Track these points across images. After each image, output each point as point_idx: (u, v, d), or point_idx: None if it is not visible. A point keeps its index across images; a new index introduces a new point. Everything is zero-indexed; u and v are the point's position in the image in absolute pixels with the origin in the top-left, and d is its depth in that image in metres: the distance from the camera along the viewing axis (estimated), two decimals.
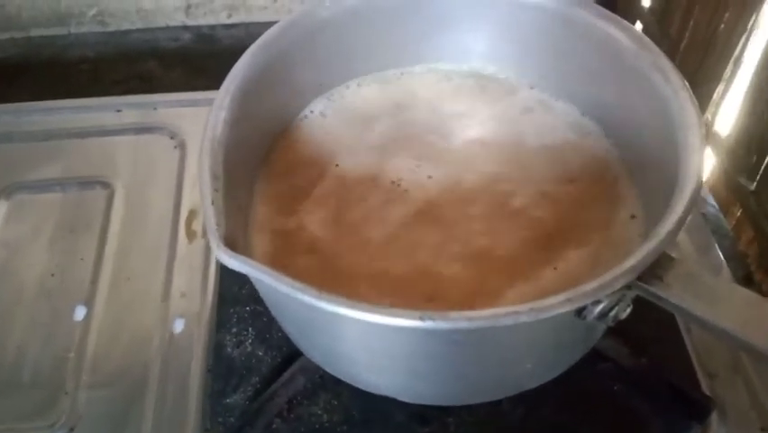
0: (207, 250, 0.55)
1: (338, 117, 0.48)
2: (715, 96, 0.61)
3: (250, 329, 0.49)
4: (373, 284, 0.39)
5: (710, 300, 0.33)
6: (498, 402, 0.44)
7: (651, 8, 0.71)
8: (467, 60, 0.50)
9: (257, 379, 0.47)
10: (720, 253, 0.54)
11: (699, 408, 0.45)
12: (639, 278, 0.32)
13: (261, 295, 0.40)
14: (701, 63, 0.62)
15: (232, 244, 0.33)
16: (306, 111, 0.48)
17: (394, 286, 0.39)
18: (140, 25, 0.82)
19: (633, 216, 0.42)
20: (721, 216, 0.60)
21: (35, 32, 0.81)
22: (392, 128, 0.47)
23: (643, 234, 0.40)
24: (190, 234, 0.56)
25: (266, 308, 0.44)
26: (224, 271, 0.51)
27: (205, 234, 0.55)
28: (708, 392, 0.47)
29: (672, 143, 0.37)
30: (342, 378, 0.42)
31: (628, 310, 0.34)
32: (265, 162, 0.45)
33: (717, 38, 0.60)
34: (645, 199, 0.42)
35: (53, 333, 0.50)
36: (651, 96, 0.40)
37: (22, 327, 0.51)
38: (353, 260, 0.41)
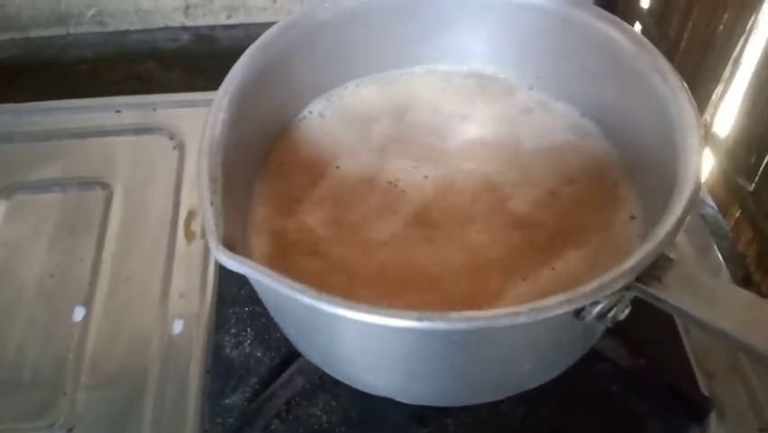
0: (206, 251, 0.55)
1: (337, 118, 0.48)
2: (714, 96, 0.61)
3: (248, 330, 0.49)
4: (372, 285, 0.39)
5: (709, 301, 0.33)
6: (497, 403, 0.44)
7: (650, 9, 0.71)
8: (466, 61, 0.50)
9: (256, 380, 0.47)
10: (719, 254, 0.54)
11: (697, 408, 0.45)
12: (638, 279, 0.32)
13: (260, 296, 0.40)
14: (700, 64, 0.62)
15: (230, 244, 0.33)
16: (305, 112, 0.48)
17: (393, 287, 0.39)
18: (139, 26, 0.82)
19: (632, 217, 0.42)
20: (720, 216, 0.60)
21: (35, 33, 0.81)
22: (391, 129, 0.47)
23: (642, 234, 0.40)
24: (189, 235, 0.56)
25: (265, 309, 0.44)
26: (222, 271, 0.52)
27: (203, 234, 0.55)
28: (706, 393, 0.47)
29: (671, 144, 0.37)
30: (341, 379, 0.42)
31: (627, 311, 0.34)
32: (264, 163, 0.45)
33: (716, 39, 0.60)
34: (645, 200, 0.42)
35: (52, 333, 0.50)
36: (650, 97, 0.40)
37: (22, 327, 0.51)
38: (352, 261, 0.41)
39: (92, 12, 0.80)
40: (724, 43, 0.59)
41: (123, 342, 0.50)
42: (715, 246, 0.55)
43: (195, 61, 0.79)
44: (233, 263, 0.32)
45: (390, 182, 0.44)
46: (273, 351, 0.48)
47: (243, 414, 0.45)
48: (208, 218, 0.34)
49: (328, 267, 0.40)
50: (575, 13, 0.44)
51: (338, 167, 0.45)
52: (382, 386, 0.41)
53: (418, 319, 0.30)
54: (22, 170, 0.60)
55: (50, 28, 0.80)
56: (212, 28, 0.83)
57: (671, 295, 0.33)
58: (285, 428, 0.45)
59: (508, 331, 0.33)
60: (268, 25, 0.44)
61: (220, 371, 0.47)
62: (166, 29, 0.82)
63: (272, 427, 0.45)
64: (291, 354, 0.47)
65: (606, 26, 0.43)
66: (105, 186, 0.59)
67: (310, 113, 0.48)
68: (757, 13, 0.55)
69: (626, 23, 0.43)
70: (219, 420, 0.45)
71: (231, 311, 0.50)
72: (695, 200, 0.34)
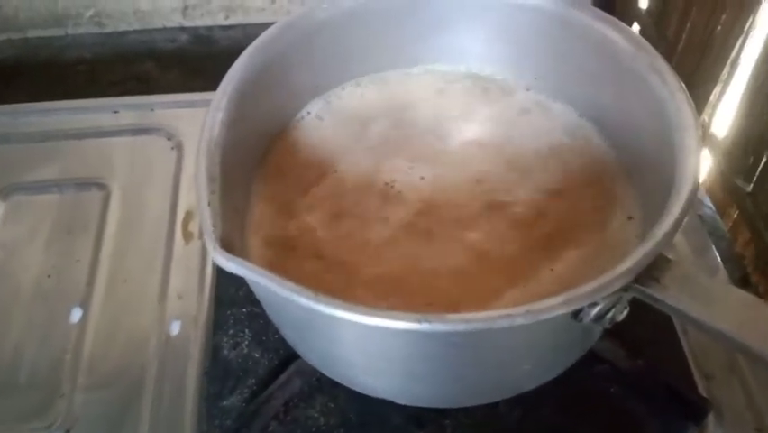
0: (204, 251, 0.55)
1: (335, 119, 0.48)
2: (712, 97, 0.61)
3: (246, 331, 0.49)
4: (370, 286, 0.39)
5: (707, 302, 0.33)
6: (495, 404, 0.44)
7: (648, 10, 0.71)
8: (464, 62, 0.50)
9: (253, 381, 0.47)
10: (717, 255, 0.54)
11: (695, 409, 0.45)
12: (636, 280, 0.32)
13: (258, 297, 0.40)
14: (698, 65, 0.62)
15: (228, 246, 0.33)
16: (303, 112, 0.48)
17: (391, 288, 0.39)
18: (137, 26, 0.82)
19: (630, 218, 0.42)
20: (718, 217, 0.60)
21: (32, 34, 0.81)
22: (389, 129, 0.47)
23: (640, 235, 0.40)
24: (187, 236, 0.56)
25: (263, 310, 0.44)
26: (220, 272, 0.51)
27: (201, 235, 0.55)
28: (704, 394, 0.47)
29: (669, 145, 0.37)
30: (339, 380, 0.42)
31: (625, 312, 0.34)
32: (262, 164, 0.45)
33: (714, 39, 0.60)
34: (643, 201, 0.42)
35: (49, 334, 0.50)
36: (648, 97, 0.40)
37: (19, 328, 0.51)
38: (351, 262, 0.41)
39: (90, 12, 0.80)
40: (722, 44, 0.59)
41: (121, 343, 0.50)
42: (713, 247, 0.55)
43: (193, 62, 0.79)
44: (231, 265, 0.32)
45: (387, 183, 0.44)
46: (271, 352, 0.48)
47: (241, 416, 0.45)
48: (206, 219, 0.34)
49: (326, 268, 0.40)
50: (573, 14, 0.44)
51: (336, 167, 0.45)
52: (381, 388, 0.41)
53: (417, 321, 0.30)
54: (19, 171, 0.60)
55: (47, 29, 0.80)
56: (210, 29, 0.83)
57: (669, 296, 0.33)
58: (283, 429, 0.45)
59: (507, 333, 0.33)
60: (266, 26, 0.44)
61: (218, 372, 0.47)
62: (164, 29, 0.82)
63: (270, 429, 0.45)
64: (289, 356, 0.46)
65: (604, 27, 0.43)
66: (103, 187, 0.59)
67: (308, 113, 0.48)
68: (755, 13, 0.55)
69: (623, 24, 0.43)
70: (217, 422, 0.45)
71: (229, 312, 0.50)
72: (693, 201, 0.34)
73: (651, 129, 0.40)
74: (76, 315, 0.51)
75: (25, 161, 0.61)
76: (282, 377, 0.46)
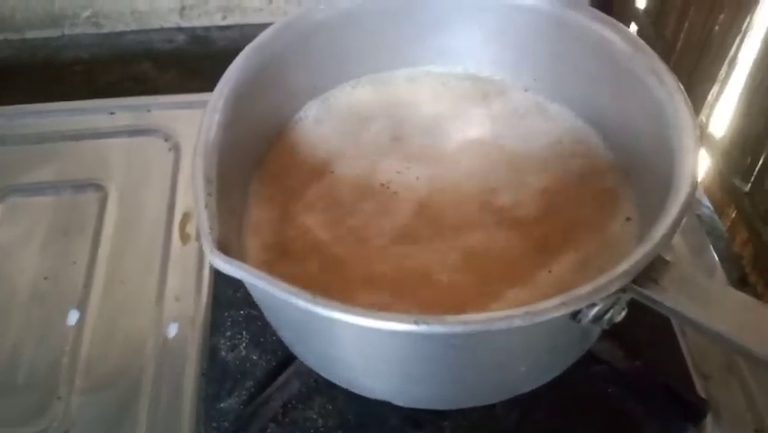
0: (201, 253, 0.54)
1: (332, 120, 0.48)
2: (709, 97, 0.61)
3: (244, 333, 0.49)
4: (368, 287, 0.39)
5: (705, 303, 0.33)
6: (493, 406, 0.44)
7: (646, 10, 0.71)
8: (461, 63, 0.50)
9: (251, 383, 0.47)
10: (715, 255, 0.54)
11: (694, 410, 0.45)
12: (634, 281, 0.32)
13: (256, 299, 0.40)
14: (696, 65, 0.62)
15: (225, 247, 0.33)
16: (301, 113, 0.48)
17: (389, 289, 0.39)
18: (134, 27, 0.82)
19: (628, 219, 0.42)
20: (716, 217, 0.60)
21: (29, 34, 0.80)
22: (386, 130, 0.47)
23: (638, 236, 0.40)
24: (184, 237, 0.56)
25: (260, 312, 0.44)
26: (218, 274, 0.51)
27: (199, 237, 0.55)
28: (703, 395, 0.47)
29: (667, 146, 0.37)
30: (337, 382, 0.42)
31: (623, 313, 0.33)
32: (259, 165, 0.45)
33: (712, 40, 0.60)
34: (640, 201, 0.42)
35: (46, 337, 0.50)
36: (646, 98, 0.40)
37: (15, 331, 0.50)
38: (348, 263, 0.40)
39: (87, 13, 0.80)
40: (720, 44, 0.59)
41: (118, 345, 0.50)
42: (711, 247, 0.55)
43: (190, 62, 0.79)
44: (228, 267, 0.32)
45: (383, 184, 0.44)
46: (269, 354, 0.48)
47: (239, 418, 0.45)
48: (203, 221, 0.33)
49: (324, 269, 0.40)
50: (570, 15, 0.44)
51: (333, 169, 0.45)
52: (379, 389, 0.41)
53: (415, 323, 0.30)
54: (15, 173, 0.60)
55: (44, 29, 0.80)
56: (207, 29, 0.82)
57: (667, 297, 0.33)
58: (281, 431, 0.45)
59: (505, 334, 0.32)
60: (263, 26, 0.44)
61: (215, 374, 0.47)
62: (161, 30, 0.82)
63: (268, 430, 0.44)
64: (287, 358, 0.46)
65: (601, 27, 0.43)
66: (100, 188, 0.59)
67: (305, 114, 0.48)
68: (753, 13, 0.55)
69: (621, 25, 0.43)
70: (214, 424, 0.45)
71: (226, 314, 0.50)
72: (691, 202, 0.34)
73: (649, 130, 0.40)
74: (73, 317, 0.51)
75: (22, 162, 0.61)
76: (280, 379, 0.46)
